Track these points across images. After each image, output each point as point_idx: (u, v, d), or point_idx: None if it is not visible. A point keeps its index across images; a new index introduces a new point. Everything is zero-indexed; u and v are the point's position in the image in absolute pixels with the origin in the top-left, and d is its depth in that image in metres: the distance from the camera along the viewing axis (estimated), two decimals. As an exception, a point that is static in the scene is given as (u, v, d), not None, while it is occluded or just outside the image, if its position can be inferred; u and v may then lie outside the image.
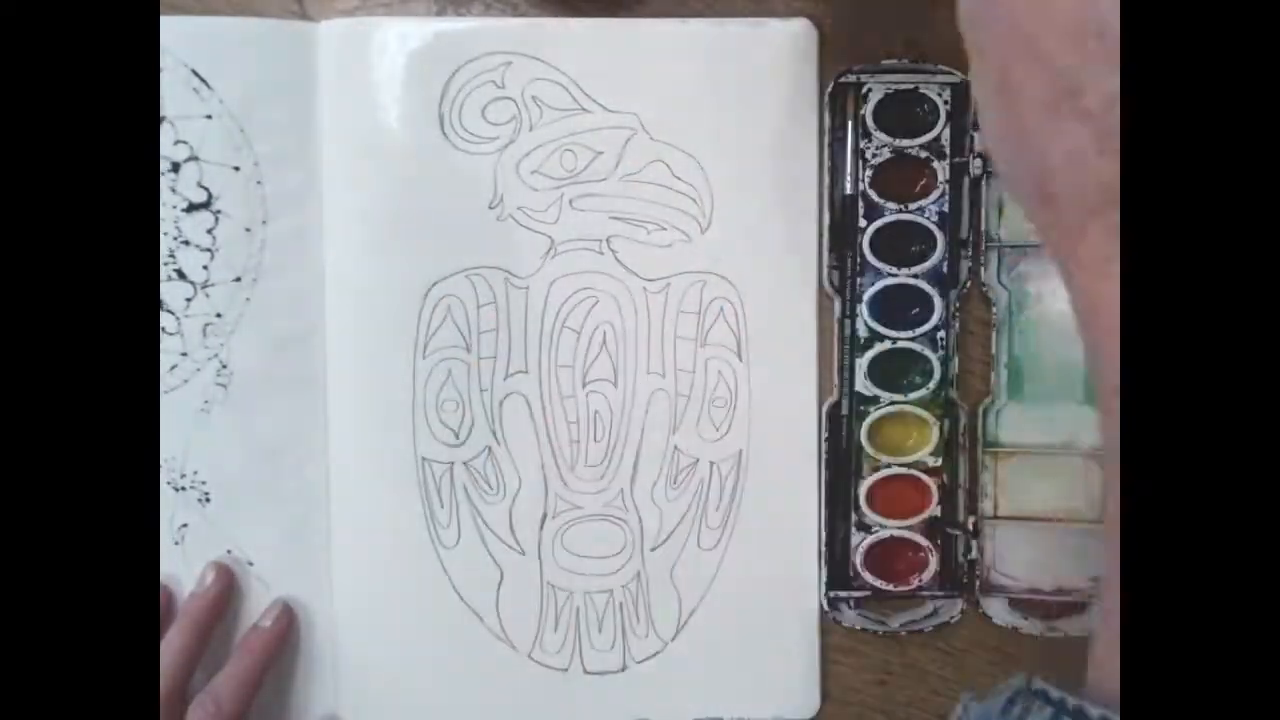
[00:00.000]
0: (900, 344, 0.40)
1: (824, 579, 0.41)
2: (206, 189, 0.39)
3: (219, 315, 0.39)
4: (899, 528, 0.41)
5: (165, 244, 0.39)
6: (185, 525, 0.40)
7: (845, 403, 0.41)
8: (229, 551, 0.40)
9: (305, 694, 0.41)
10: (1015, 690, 0.24)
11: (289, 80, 0.39)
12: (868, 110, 0.39)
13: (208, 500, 0.40)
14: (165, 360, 0.39)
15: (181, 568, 0.40)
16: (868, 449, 0.40)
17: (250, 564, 0.40)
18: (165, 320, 0.39)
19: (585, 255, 0.40)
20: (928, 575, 0.41)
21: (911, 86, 0.39)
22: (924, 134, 0.39)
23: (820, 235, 0.40)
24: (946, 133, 0.39)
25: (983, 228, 0.40)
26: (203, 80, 0.38)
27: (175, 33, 0.38)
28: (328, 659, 0.41)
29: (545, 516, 0.40)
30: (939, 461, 0.41)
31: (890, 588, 0.41)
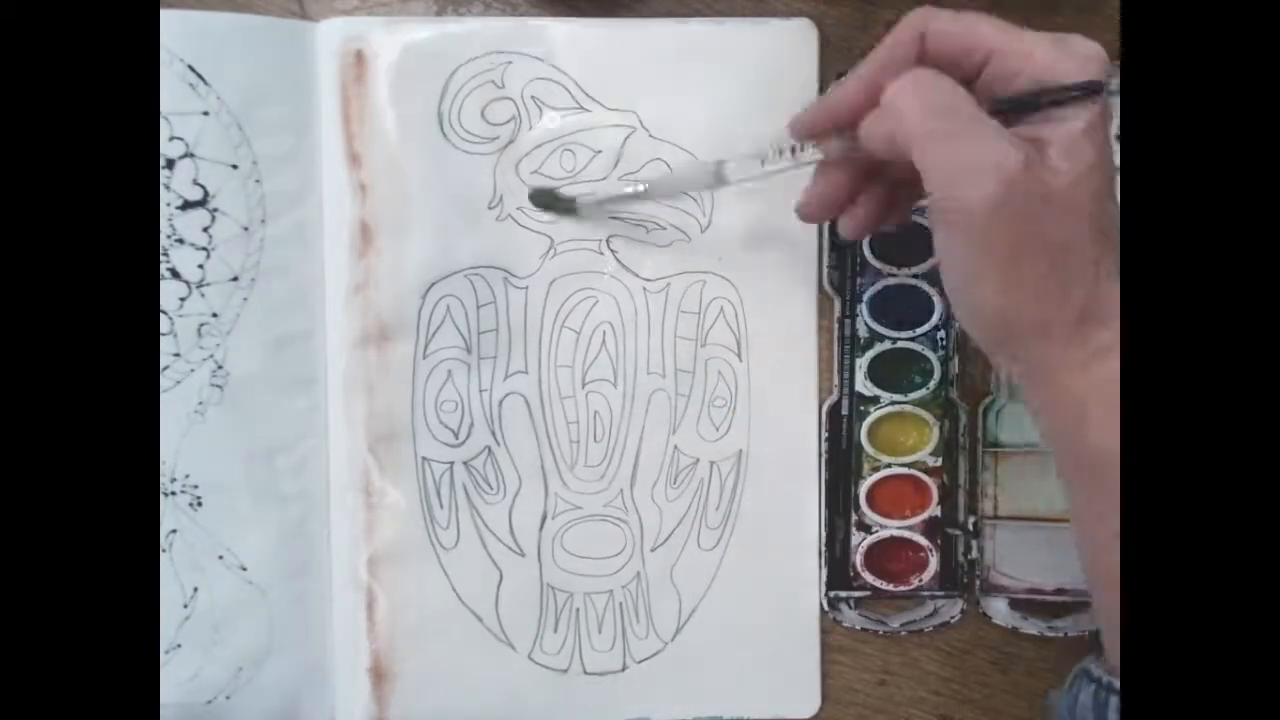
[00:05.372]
0: (900, 344, 0.40)
1: (824, 579, 0.41)
2: (202, 186, 0.38)
3: (215, 315, 0.39)
4: (899, 528, 0.41)
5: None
6: (174, 531, 0.39)
7: (845, 403, 0.41)
8: (220, 557, 0.40)
9: (304, 697, 0.40)
10: (1075, 674, 0.29)
11: (288, 79, 0.38)
12: (868, 110, 0.39)
13: (199, 504, 0.39)
14: (157, 362, 0.39)
15: (169, 575, 0.39)
16: (868, 449, 0.40)
17: (244, 569, 0.40)
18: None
19: (585, 255, 0.40)
20: (928, 575, 0.41)
21: (911, 87, 0.39)
22: (924, 134, 0.39)
23: (820, 235, 0.40)
24: (946, 133, 0.39)
25: (982, 228, 0.40)
26: (200, 76, 0.38)
27: (173, 28, 0.37)
28: (326, 662, 0.40)
29: (545, 517, 0.40)
30: (939, 461, 0.41)
31: (890, 588, 0.41)
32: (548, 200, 0.39)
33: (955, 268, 0.29)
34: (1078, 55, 0.27)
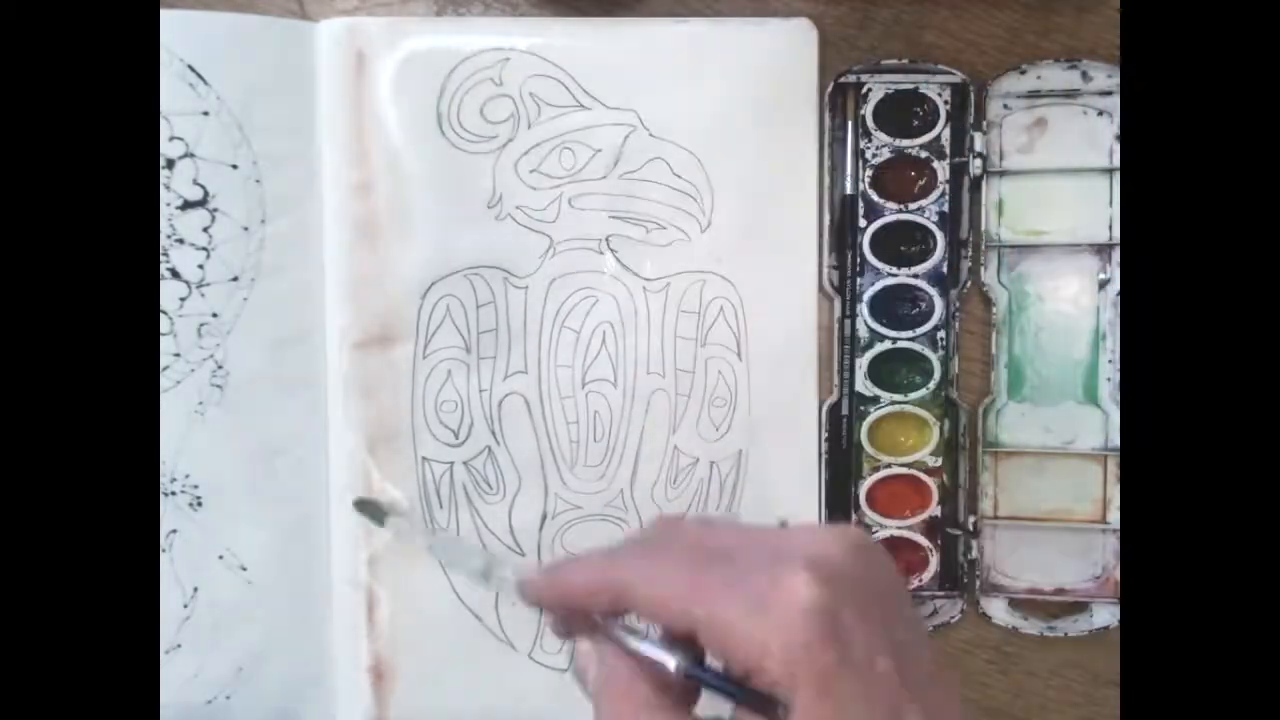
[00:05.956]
0: (900, 344, 0.40)
1: (824, 579, 0.41)
2: (203, 186, 0.38)
3: (215, 315, 0.39)
4: (899, 528, 0.41)
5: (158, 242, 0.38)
6: (174, 531, 0.39)
7: (845, 403, 0.41)
8: (220, 557, 0.40)
9: (304, 697, 0.40)
10: None
11: (288, 79, 0.38)
12: (868, 110, 0.39)
13: (200, 505, 0.39)
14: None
15: (169, 575, 0.39)
16: (868, 449, 0.40)
17: (244, 569, 0.40)
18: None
19: (584, 254, 0.40)
20: (928, 575, 0.41)
21: (911, 86, 0.39)
22: (924, 134, 0.39)
23: (820, 235, 0.40)
24: (946, 133, 0.39)
25: (983, 228, 0.40)
26: (199, 76, 0.38)
27: (173, 28, 0.37)
28: (325, 662, 0.40)
29: (545, 517, 0.40)
30: (939, 461, 0.41)
31: (890, 588, 0.41)
32: (364, 507, 0.39)
33: None
34: (778, 632, 0.22)
